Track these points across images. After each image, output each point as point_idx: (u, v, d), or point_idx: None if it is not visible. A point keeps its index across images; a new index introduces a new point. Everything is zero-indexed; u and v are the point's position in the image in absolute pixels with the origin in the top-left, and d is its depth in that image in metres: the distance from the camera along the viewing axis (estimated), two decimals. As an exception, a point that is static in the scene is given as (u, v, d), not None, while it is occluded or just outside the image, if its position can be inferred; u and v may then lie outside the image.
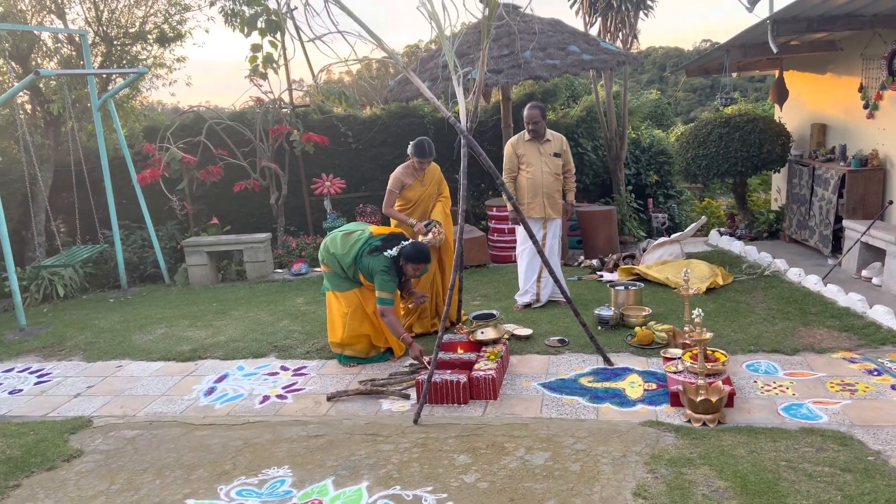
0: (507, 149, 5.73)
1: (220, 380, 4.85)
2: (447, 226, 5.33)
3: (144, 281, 8.59)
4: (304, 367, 4.96)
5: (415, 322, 5.34)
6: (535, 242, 4.54)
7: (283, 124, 8.73)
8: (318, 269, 7.99)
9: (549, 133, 5.70)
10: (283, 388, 4.60)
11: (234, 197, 9.20)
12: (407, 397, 4.24)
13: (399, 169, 5.31)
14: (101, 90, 8.52)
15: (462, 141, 4.27)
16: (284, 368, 4.97)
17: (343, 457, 3.52)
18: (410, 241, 4.74)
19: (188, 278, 8.25)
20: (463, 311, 5.43)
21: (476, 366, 4.25)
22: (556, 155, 5.67)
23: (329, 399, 4.31)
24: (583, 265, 7.50)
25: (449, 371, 4.21)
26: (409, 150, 5.15)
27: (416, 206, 5.30)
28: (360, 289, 4.75)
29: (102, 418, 4.30)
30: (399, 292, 4.86)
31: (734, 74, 9.24)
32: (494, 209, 8.14)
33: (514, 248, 6.17)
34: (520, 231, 5.83)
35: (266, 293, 7.45)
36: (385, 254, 4.58)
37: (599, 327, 5.17)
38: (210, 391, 4.65)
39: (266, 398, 4.45)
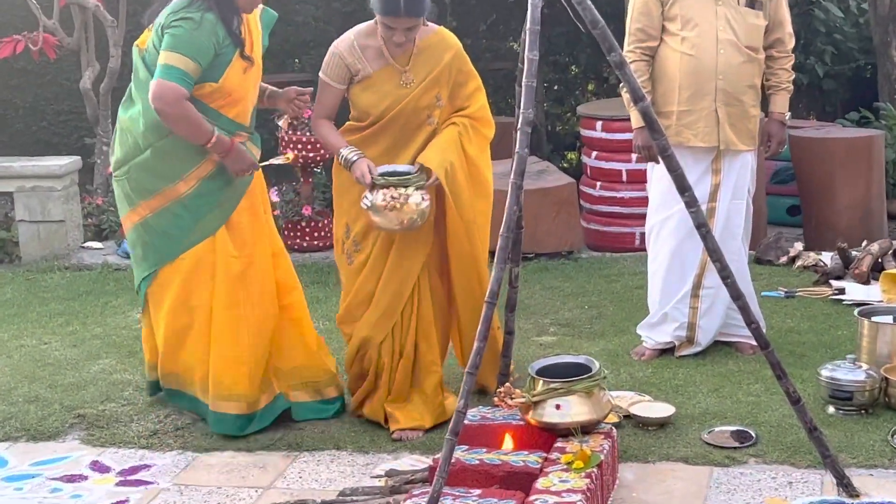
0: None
1: (-49, 487, 4.95)
2: (462, 180, 5.26)
3: None
4: (145, 465, 5.05)
5: (370, 390, 5.39)
6: (691, 206, 4.52)
7: None
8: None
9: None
10: (96, 512, 4.71)
11: (-1, 71, 9.33)
12: (378, 546, 4.30)
13: (347, 37, 5.30)
14: None
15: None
16: (99, 468, 5.05)
17: None
18: None
19: None
20: (512, 364, 5.51)
21: (540, 482, 4.28)
22: (752, 3, 5.70)
23: (199, 542, 4.40)
24: (800, 262, 7.50)
25: (477, 492, 4.25)
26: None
27: (384, 130, 5.30)
28: (214, 237, 5.16)
29: None
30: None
31: None
32: (599, 125, 8.16)
33: (642, 218, 6.16)
34: (656, 180, 5.88)
35: (64, 295, 7.55)
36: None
37: (833, 408, 5.23)
38: (-72, 512, 4.73)
39: (56, 533, 4.55)
